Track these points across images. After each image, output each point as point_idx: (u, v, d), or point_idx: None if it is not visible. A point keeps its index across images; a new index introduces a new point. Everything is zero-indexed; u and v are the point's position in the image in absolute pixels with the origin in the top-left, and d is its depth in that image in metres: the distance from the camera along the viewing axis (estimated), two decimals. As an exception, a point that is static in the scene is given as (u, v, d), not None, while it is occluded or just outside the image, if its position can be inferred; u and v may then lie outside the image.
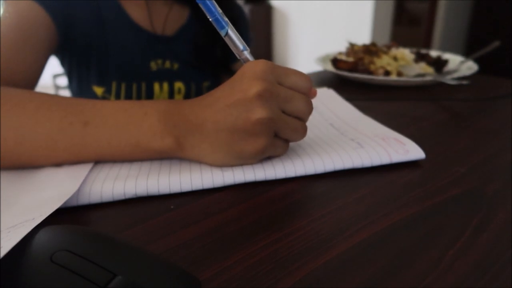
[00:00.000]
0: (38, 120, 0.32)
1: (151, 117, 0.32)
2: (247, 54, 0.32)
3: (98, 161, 0.33)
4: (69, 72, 0.64)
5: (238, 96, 0.29)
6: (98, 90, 0.62)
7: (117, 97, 0.62)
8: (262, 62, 0.30)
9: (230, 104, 0.29)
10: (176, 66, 0.66)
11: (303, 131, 0.32)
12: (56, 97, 0.34)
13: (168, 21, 0.64)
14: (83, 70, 0.61)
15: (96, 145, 0.32)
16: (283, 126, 0.30)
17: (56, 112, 0.32)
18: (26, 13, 0.48)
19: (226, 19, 0.30)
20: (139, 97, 0.64)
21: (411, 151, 0.34)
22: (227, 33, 0.30)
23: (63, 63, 0.63)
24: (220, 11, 0.30)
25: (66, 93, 2.62)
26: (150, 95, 0.65)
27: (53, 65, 0.57)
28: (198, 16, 0.65)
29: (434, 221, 0.26)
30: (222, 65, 0.68)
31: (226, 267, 0.22)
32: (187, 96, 0.68)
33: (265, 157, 0.32)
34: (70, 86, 0.66)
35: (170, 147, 0.31)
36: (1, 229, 0.23)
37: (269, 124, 0.29)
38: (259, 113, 0.28)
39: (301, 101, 0.31)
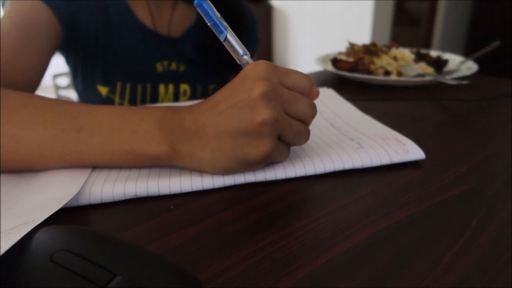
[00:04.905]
0: (32, 128, 0.31)
1: (147, 123, 0.30)
2: (247, 58, 0.31)
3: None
4: (74, 71, 0.63)
5: (241, 97, 0.28)
6: (103, 90, 0.62)
7: (122, 97, 0.62)
8: (263, 62, 0.29)
9: (232, 106, 0.28)
10: (182, 68, 0.65)
11: (306, 134, 0.31)
12: (51, 102, 0.33)
13: (175, 22, 0.64)
14: (88, 69, 0.61)
15: (90, 152, 0.31)
16: (288, 128, 0.29)
17: (49, 118, 0.31)
18: (30, 12, 0.48)
19: (225, 23, 0.30)
20: (143, 98, 0.64)
21: (411, 151, 0.34)
22: (226, 38, 0.30)
23: (68, 61, 0.63)
24: (219, 15, 0.29)
25: (67, 93, 2.62)
26: (155, 97, 0.64)
27: (53, 65, 0.57)
28: None
29: (434, 221, 0.26)
30: (229, 66, 0.68)
31: (226, 267, 0.22)
32: (193, 98, 0.67)
33: (268, 162, 0.31)
34: (75, 85, 0.66)
35: (166, 154, 0.30)
36: (1, 231, 0.23)
37: (274, 125, 0.28)
38: (264, 113, 0.27)
39: (305, 103, 0.30)
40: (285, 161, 0.32)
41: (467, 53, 3.10)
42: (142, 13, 0.61)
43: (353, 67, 0.67)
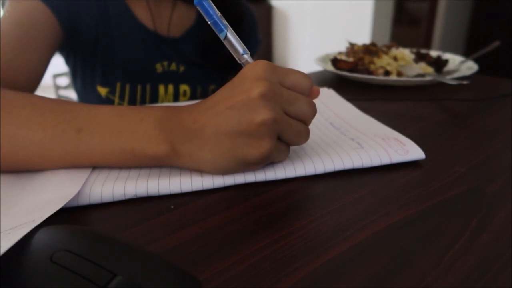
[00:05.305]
0: (31, 128, 0.31)
1: (147, 123, 0.30)
2: (247, 57, 0.31)
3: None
4: (73, 71, 0.63)
5: (240, 97, 0.28)
6: (102, 91, 0.62)
7: (121, 98, 0.62)
8: (262, 63, 0.29)
9: (231, 106, 0.28)
10: (182, 68, 0.65)
11: (306, 134, 0.31)
12: (51, 102, 0.33)
13: (175, 22, 0.64)
14: (88, 70, 0.61)
15: (90, 152, 0.31)
16: (287, 128, 0.29)
17: (49, 119, 0.31)
18: (30, 12, 0.48)
19: (225, 22, 0.30)
20: (143, 99, 0.64)
21: (411, 151, 0.34)
22: (226, 37, 0.30)
23: (68, 61, 0.63)
24: (219, 13, 0.29)
25: (67, 93, 2.62)
26: (154, 97, 0.64)
27: (53, 65, 0.57)
28: None
29: (434, 221, 0.26)
30: (229, 67, 0.68)
31: (226, 267, 0.22)
32: (193, 99, 0.67)
33: (268, 162, 0.31)
34: (75, 85, 0.66)
35: (166, 154, 0.30)
36: (1, 231, 0.23)
37: (273, 126, 0.28)
38: (263, 114, 0.27)
39: (305, 103, 0.30)
40: (285, 161, 0.32)
41: (467, 53, 3.10)
42: (142, 13, 0.61)
43: (353, 67, 0.67)
